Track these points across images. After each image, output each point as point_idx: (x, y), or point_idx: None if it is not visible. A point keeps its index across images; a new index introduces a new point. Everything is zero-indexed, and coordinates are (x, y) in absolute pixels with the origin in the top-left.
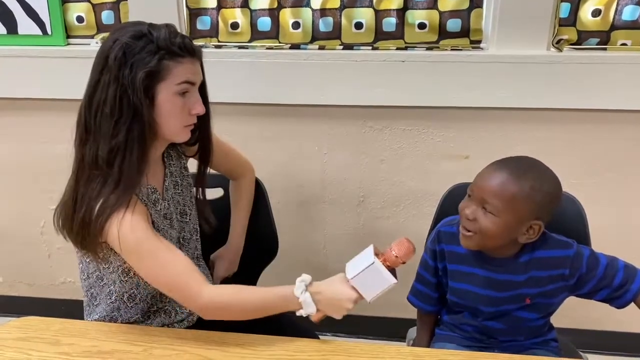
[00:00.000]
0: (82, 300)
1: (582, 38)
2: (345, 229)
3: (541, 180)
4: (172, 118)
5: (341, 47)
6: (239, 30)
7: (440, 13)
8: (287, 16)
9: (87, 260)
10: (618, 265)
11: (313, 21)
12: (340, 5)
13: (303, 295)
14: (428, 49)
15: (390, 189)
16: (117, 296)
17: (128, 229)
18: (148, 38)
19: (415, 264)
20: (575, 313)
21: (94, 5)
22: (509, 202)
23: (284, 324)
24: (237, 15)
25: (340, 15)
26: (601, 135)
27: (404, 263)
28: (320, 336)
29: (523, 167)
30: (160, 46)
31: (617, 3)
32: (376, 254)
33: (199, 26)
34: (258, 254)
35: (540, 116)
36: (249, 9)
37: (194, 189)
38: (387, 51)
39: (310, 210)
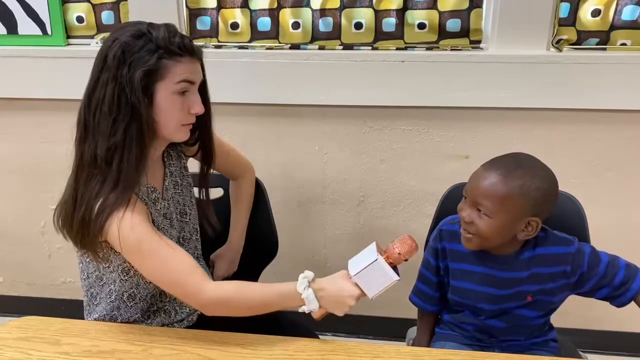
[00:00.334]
0: (82, 300)
1: (582, 38)
2: (345, 229)
3: (532, 177)
4: (171, 117)
5: (341, 47)
6: (238, 30)
7: (440, 13)
8: (287, 16)
9: (87, 259)
10: (619, 264)
11: (313, 21)
12: (340, 5)
13: (306, 292)
14: (428, 49)
15: (391, 189)
16: (117, 295)
17: (128, 228)
18: (147, 37)
19: (417, 264)
20: (575, 313)
21: (94, 6)
22: (501, 202)
23: (284, 324)
24: (237, 15)
25: (340, 16)
26: (601, 135)
27: (406, 260)
28: (320, 336)
29: (512, 165)
30: (159, 45)
31: (617, 3)
32: (379, 251)
33: (199, 26)
34: (258, 254)
35: (540, 116)
36: (249, 9)
37: (197, 190)
38: (387, 51)
39: (310, 210)
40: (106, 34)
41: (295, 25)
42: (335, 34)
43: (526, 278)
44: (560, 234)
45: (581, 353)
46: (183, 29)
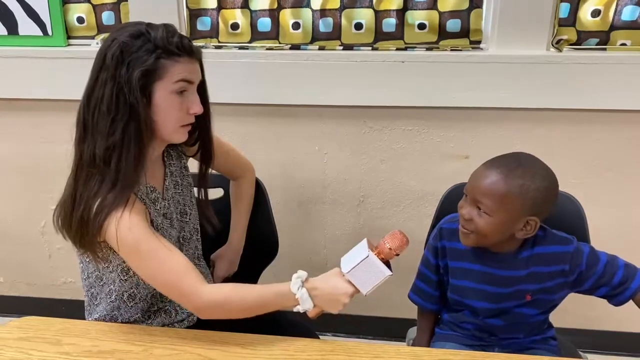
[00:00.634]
0: (83, 301)
1: (582, 38)
2: (345, 229)
3: (532, 177)
4: (169, 117)
5: (341, 47)
6: (239, 30)
7: (440, 13)
8: (287, 17)
9: (87, 259)
10: (618, 264)
11: (313, 22)
12: (340, 5)
13: (300, 292)
14: (428, 49)
15: (391, 189)
16: (117, 295)
17: (126, 228)
18: (146, 37)
19: (417, 262)
20: (575, 312)
21: (94, 6)
22: (501, 201)
23: (284, 324)
24: (237, 15)
25: (340, 16)
26: (601, 135)
27: (397, 255)
28: (320, 336)
29: (512, 164)
30: (158, 45)
31: (617, 3)
32: (370, 248)
33: (199, 27)
34: (258, 254)
35: (540, 116)
36: (249, 9)
37: (196, 189)
38: (387, 52)
39: (310, 211)
40: (106, 35)
41: (296, 26)
42: (335, 34)
43: (525, 277)
44: (559, 233)
45: (581, 353)
46: (183, 29)
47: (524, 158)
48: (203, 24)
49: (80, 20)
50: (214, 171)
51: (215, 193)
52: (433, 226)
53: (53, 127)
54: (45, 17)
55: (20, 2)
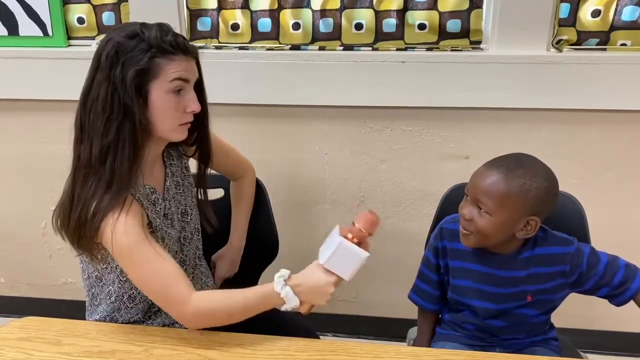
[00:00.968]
0: (83, 301)
1: (582, 38)
2: None
3: (532, 177)
4: (167, 116)
5: (341, 47)
6: (239, 31)
7: (440, 14)
8: (287, 17)
9: (87, 260)
10: (619, 264)
11: (313, 22)
12: (341, 6)
13: (284, 290)
14: (428, 49)
15: (391, 190)
16: (117, 297)
17: (121, 232)
18: (140, 37)
19: (417, 262)
20: (575, 313)
21: (94, 7)
22: (501, 201)
23: (284, 324)
24: (237, 16)
25: (341, 16)
26: (601, 135)
27: (371, 235)
28: (320, 336)
29: (513, 164)
30: (152, 44)
31: (617, 3)
32: (343, 234)
33: (199, 27)
34: (259, 255)
35: (540, 116)
36: (250, 10)
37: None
38: (387, 52)
39: (310, 211)
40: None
41: (296, 26)
42: (335, 34)
43: (525, 277)
44: (559, 234)
45: (581, 353)
46: (183, 29)
47: (524, 158)
48: (203, 24)
49: (80, 20)
50: (214, 171)
51: (215, 193)
52: (433, 226)
53: (54, 127)
54: (45, 17)
55: (20, 3)
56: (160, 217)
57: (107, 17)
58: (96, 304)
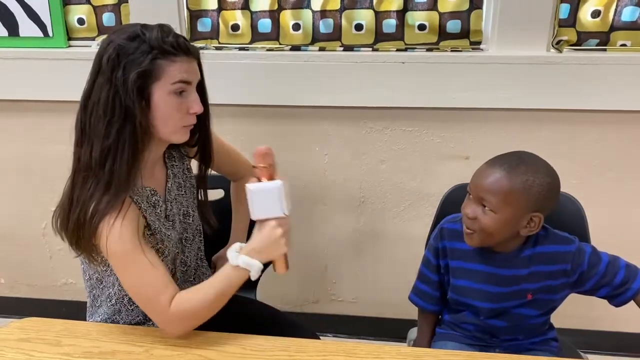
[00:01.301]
0: (83, 302)
1: (582, 39)
2: (345, 230)
3: (534, 173)
4: (169, 118)
5: (341, 48)
6: (239, 31)
7: (440, 14)
8: (287, 18)
9: (86, 261)
10: (619, 264)
11: (313, 23)
12: (341, 6)
13: (240, 260)
14: (428, 50)
15: (391, 190)
16: (117, 299)
17: (116, 236)
18: (141, 39)
19: (417, 263)
20: (575, 313)
21: (95, 8)
22: (505, 197)
23: (284, 324)
24: (237, 16)
25: (341, 17)
26: (601, 135)
27: (271, 165)
28: (320, 336)
29: (515, 162)
30: (153, 46)
31: (617, 4)
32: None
33: (199, 28)
34: None
35: (541, 117)
36: (250, 10)
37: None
38: (387, 52)
39: (310, 211)
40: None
41: (296, 27)
42: (335, 35)
43: (526, 276)
44: (561, 233)
45: (581, 353)
46: (184, 30)
47: (525, 155)
48: (203, 25)
49: (80, 21)
50: (214, 172)
51: (216, 194)
52: (433, 226)
53: (54, 128)
54: (45, 18)
55: (20, 3)
56: (161, 219)
57: (107, 18)
58: (97, 305)
